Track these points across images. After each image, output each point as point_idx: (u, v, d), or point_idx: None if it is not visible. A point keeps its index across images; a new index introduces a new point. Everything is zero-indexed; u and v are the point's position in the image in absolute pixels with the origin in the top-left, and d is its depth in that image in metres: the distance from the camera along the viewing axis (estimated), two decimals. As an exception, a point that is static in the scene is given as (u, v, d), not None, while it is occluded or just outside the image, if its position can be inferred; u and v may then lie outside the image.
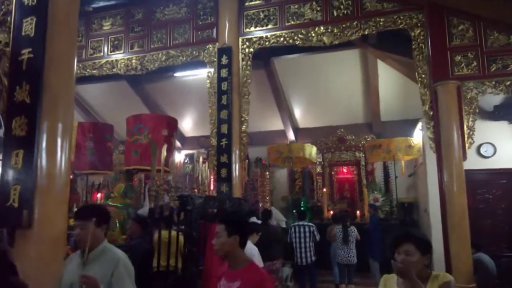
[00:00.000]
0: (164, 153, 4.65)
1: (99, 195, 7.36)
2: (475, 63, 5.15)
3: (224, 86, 6.29)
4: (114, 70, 7.17)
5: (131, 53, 7.21)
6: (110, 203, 5.37)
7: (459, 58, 5.22)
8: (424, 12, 5.47)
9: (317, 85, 9.98)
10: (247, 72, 6.40)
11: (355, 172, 10.08)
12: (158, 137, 5.47)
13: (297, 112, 11.04)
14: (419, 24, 5.51)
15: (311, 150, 8.45)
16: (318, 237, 6.23)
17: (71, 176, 6.09)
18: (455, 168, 4.99)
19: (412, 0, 5.60)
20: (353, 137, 9.81)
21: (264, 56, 9.07)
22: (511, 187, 6.66)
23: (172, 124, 6.22)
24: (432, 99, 5.28)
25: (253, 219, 6.40)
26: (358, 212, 8.66)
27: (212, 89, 6.47)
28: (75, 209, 6.68)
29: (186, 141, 13.07)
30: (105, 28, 7.34)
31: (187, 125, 12.79)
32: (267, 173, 8.16)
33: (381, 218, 8.20)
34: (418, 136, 7.76)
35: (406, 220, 8.65)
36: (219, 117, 6.26)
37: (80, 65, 7.25)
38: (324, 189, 9.30)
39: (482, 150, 6.83)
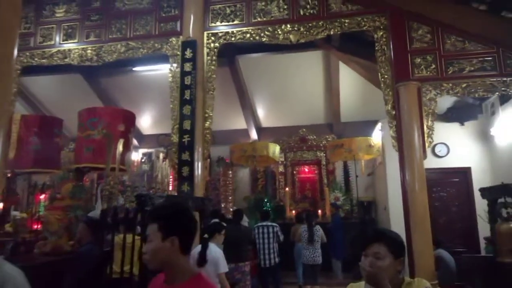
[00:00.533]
0: (119, 149, 4.35)
1: (42, 196, 6.82)
2: (433, 66, 5.34)
3: (188, 80, 6.07)
4: (67, 60, 6.69)
5: (86, 42, 6.78)
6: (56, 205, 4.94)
7: (419, 60, 5.39)
8: (387, 15, 5.60)
9: (281, 85, 10.01)
10: (212, 67, 6.22)
11: (316, 172, 10.20)
12: (114, 132, 5.15)
13: (260, 112, 11.01)
14: (381, 27, 5.62)
15: (275, 149, 8.42)
16: (282, 238, 6.18)
17: (8, 175, 5.57)
18: (416, 167, 5.13)
19: (375, 3, 5.71)
20: (315, 137, 9.94)
21: (229, 53, 8.95)
22: (463, 185, 7.01)
23: (129, 119, 5.91)
24: (395, 99, 5.41)
25: (216, 221, 6.25)
26: (320, 211, 8.74)
27: (174, 84, 6.22)
28: (13, 212, 6.14)
29: (144, 139, 12.62)
30: (58, 15, 6.85)
31: (146, 122, 12.36)
32: (230, 172, 8.01)
33: (342, 217, 8.34)
34: (378, 136, 7.97)
35: (365, 219, 8.91)
36: (182, 113, 6.02)
37: (28, 54, 6.71)
38: (287, 189, 9.31)
39: (436, 150, 7.13)
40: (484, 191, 5.02)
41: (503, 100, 6.35)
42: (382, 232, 1.79)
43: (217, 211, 6.32)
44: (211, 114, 6.17)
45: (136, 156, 12.67)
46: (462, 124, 7.11)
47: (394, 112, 5.42)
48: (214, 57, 6.21)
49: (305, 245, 6.25)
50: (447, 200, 7.04)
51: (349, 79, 9.31)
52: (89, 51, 6.71)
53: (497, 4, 5.12)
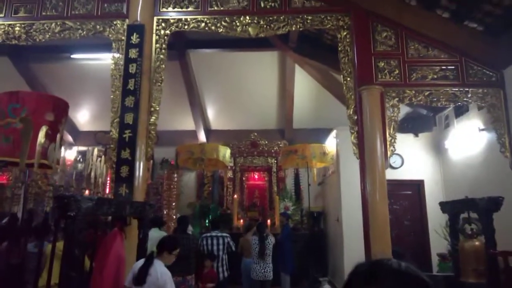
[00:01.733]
0: (41, 140, 3.54)
1: None
2: (397, 71, 5.15)
3: (133, 68, 5.35)
4: (-12, 36, 5.66)
5: (14, 18, 5.81)
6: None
7: (383, 64, 5.18)
8: (351, 15, 5.34)
9: (233, 85, 9.52)
10: (161, 56, 5.55)
11: (266, 179, 9.79)
12: (40, 121, 4.27)
13: (210, 112, 10.42)
14: (345, 27, 5.35)
15: (225, 152, 7.85)
16: (233, 248, 5.62)
17: None
18: (378, 176, 4.86)
19: (338, 2, 5.44)
20: (266, 142, 9.52)
21: (180, 46, 8.30)
22: (416, 198, 6.95)
23: (60, 108, 5.00)
24: (357, 103, 5.13)
25: (155, 230, 5.52)
26: (269, 221, 8.28)
27: (116, 71, 5.47)
28: None
29: (80, 136, 11.44)
30: (-22, -18, 5.79)
31: (83, 117, 11.20)
32: (175, 175, 7.29)
33: (291, 227, 7.94)
34: (332, 144, 7.74)
35: (315, 230, 8.61)
36: (124, 105, 5.27)
37: None
38: (235, 196, 8.76)
39: (391, 161, 7.00)
40: (445, 205, 4.87)
41: (458, 112, 6.38)
42: (387, 269, 0.88)
43: (158, 219, 5.59)
44: (157, 108, 5.48)
45: (70, 154, 11.46)
46: (416, 135, 7.09)
47: (356, 117, 5.13)
48: (163, 45, 5.55)
49: (256, 259, 5.71)
50: (399, 213, 6.93)
51: (304, 83, 9.06)
52: (17, 28, 5.77)
53: (460, 12, 5.06)
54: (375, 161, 4.90)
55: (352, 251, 6.72)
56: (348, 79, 5.24)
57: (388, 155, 5.02)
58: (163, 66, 5.55)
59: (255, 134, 9.56)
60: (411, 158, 6.97)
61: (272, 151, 9.49)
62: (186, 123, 10.41)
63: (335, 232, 7.51)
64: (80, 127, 11.32)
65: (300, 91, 9.25)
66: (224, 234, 5.66)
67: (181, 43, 8.19)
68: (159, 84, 5.52)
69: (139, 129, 5.24)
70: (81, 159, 10.97)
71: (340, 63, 5.32)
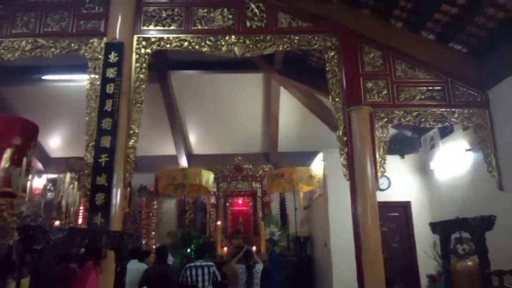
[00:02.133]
0: (5, 164, 3.18)
1: None
2: (385, 91, 5.08)
3: (110, 88, 5.06)
4: (-49, 54, 5.28)
5: (-20, 35, 5.46)
6: None
7: (371, 85, 5.10)
8: (338, 36, 5.28)
9: (216, 108, 9.31)
10: (141, 76, 5.30)
11: (251, 204, 9.46)
12: (4, 144, 3.90)
13: (192, 136, 10.13)
14: (333, 47, 5.27)
15: (209, 177, 7.53)
16: (219, 279, 5.22)
17: None
18: (369, 198, 4.68)
19: (325, 23, 5.38)
20: (251, 166, 9.25)
21: (160, 67, 8.07)
22: (403, 220, 6.78)
23: (29, 131, 4.65)
24: (346, 124, 4.98)
25: (134, 262, 5.10)
26: (254, 247, 7.88)
27: (93, 92, 5.17)
28: None
29: (51, 163, 10.83)
30: None
31: (54, 143, 10.66)
32: (155, 202, 6.87)
33: (277, 253, 7.59)
34: (318, 167, 7.55)
35: (302, 256, 8.28)
36: (100, 127, 4.95)
37: None
38: (219, 222, 8.37)
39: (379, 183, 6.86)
40: (435, 226, 4.66)
41: (443, 133, 6.34)
42: None
43: (138, 250, 5.16)
44: (136, 131, 5.18)
45: (39, 182, 10.81)
46: (402, 157, 7.00)
47: (345, 138, 4.98)
48: (144, 65, 5.32)
49: (242, 289, 5.34)
50: (388, 235, 6.71)
51: (289, 106, 8.95)
52: (-17, 45, 5.40)
53: (445, 34, 5.07)
54: (366, 183, 4.73)
55: (341, 277, 6.43)
56: (337, 99, 5.12)
57: (379, 176, 4.85)
58: (144, 86, 5.29)
59: (239, 158, 9.29)
60: (398, 180, 6.84)
61: (257, 175, 9.22)
62: (167, 147, 10.05)
63: (323, 258, 7.20)
64: (51, 153, 10.76)
65: (286, 114, 9.12)
66: (209, 263, 5.28)
67: (162, 64, 7.97)
68: (139, 105, 5.24)
69: (117, 153, 4.92)
70: (51, 187, 10.35)
71: (328, 84, 5.21)
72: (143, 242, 6.76)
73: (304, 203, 8.88)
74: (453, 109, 4.93)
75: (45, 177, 10.64)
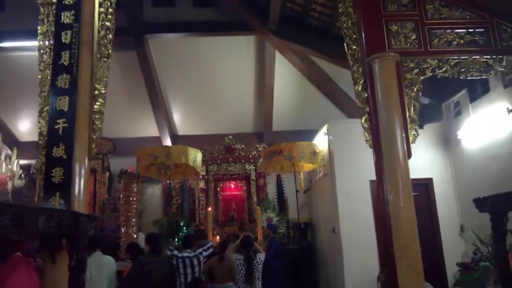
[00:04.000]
0: None
1: None
2: (414, 36, 4.08)
3: (67, 37, 3.99)
4: None
5: None
6: None
7: (396, 28, 4.10)
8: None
9: (202, 81, 8.25)
10: (108, 23, 4.20)
11: (244, 188, 8.46)
12: None
13: (176, 115, 9.05)
14: (347, -19, 4.25)
15: (196, 156, 6.47)
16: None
17: None
18: (400, 170, 3.71)
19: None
20: (243, 146, 8.22)
21: (136, 31, 6.94)
22: (425, 200, 5.88)
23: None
24: (366, 77, 3.99)
25: (99, 255, 4.08)
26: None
27: (45, 44, 4.08)
28: None
29: (20, 148, 9.60)
30: None
31: (24, 126, 9.47)
32: (134, 185, 5.81)
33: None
34: (322, 143, 6.57)
35: (303, 244, 7.35)
36: (55, 85, 3.89)
37: None
38: (209, 209, 7.35)
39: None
40: (484, 202, 3.73)
41: (474, 96, 5.42)
42: None
43: (96, 239, 4.10)
44: (103, 91, 4.11)
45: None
46: (421, 127, 6.04)
47: (366, 95, 3.99)
48: (110, 10, 4.21)
49: (241, 285, 4.34)
50: (407, 217, 5.80)
51: (285, 77, 7.94)
52: None
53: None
54: (395, 150, 3.75)
55: (354, 266, 5.56)
56: (354, 47, 4.12)
57: (411, 141, 3.90)
58: (110, 36, 4.19)
59: (230, 137, 8.25)
60: (417, 154, 5.82)
61: (250, 156, 8.19)
62: (148, 128, 8.98)
63: (330, 245, 6.27)
64: (21, 137, 9.56)
65: (281, 86, 8.10)
66: (198, 251, 4.29)
67: (137, 27, 6.85)
68: (105, 59, 4.15)
69: (78, 118, 3.85)
70: (22, 175, 9.20)
71: (342, 29, 4.21)
72: (122, 231, 5.72)
73: (304, 186, 7.92)
74: (500, 56, 3.98)
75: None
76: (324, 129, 6.44)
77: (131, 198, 5.73)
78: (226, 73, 8.06)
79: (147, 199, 8.58)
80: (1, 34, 6.99)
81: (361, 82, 4.02)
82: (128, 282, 3.67)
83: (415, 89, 3.97)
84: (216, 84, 8.36)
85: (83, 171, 3.79)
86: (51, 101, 3.87)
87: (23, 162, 9.37)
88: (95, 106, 4.02)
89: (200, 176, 8.01)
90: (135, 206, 5.74)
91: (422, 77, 4.00)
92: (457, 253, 5.52)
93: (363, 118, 3.98)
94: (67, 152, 3.72)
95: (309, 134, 7.34)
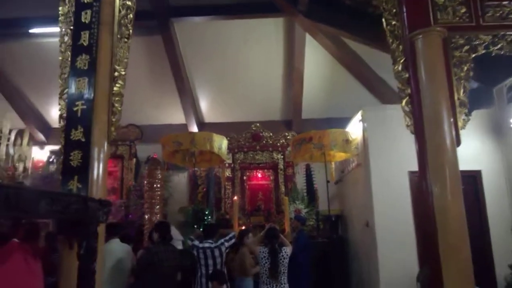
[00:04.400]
0: None
1: None
2: (464, 9, 3.61)
3: (86, 16, 3.83)
4: None
5: None
6: None
7: (443, 0, 3.63)
8: None
9: (229, 66, 8.00)
10: (128, 2, 4.03)
11: (271, 178, 8.16)
12: None
13: (203, 102, 8.85)
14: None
15: (221, 143, 6.24)
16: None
17: None
18: (447, 159, 3.29)
19: None
20: (271, 134, 7.91)
21: (161, 15, 6.74)
22: (472, 194, 5.35)
23: None
24: (408, 55, 3.57)
25: (116, 242, 3.95)
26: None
27: (66, 24, 3.95)
28: None
29: (53, 134, 9.79)
30: None
31: (56, 112, 9.54)
32: (159, 172, 5.66)
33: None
34: (356, 131, 6.15)
35: (334, 238, 7.00)
36: (75, 66, 3.76)
37: None
38: (235, 198, 7.14)
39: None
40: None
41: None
42: None
43: (113, 226, 3.97)
44: (123, 73, 3.96)
45: (42, 154, 9.95)
46: (468, 113, 5.50)
47: (407, 75, 3.58)
48: (133, -13, 4.00)
49: (265, 279, 4.07)
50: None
51: (316, 61, 7.54)
52: None
53: None
54: (442, 137, 3.34)
55: (389, 263, 5.16)
56: (393, 22, 3.72)
57: (460, 126, 3.47)
58: (131, 16, 4.02)
59: (257, 124, 7.95)
60: (464, 143, 5.34)
61: (278, 144, 7.88)
62: (175, 115, 8.85)
63: (363, 240, 5.89)
64: (52, 123, 9.70)
65: (311, 71, 7.70)
66: (220, 242, 4.08)
67: (162, 10, 6.64)
68: (125, 40, 3.99)
69: (97, 100, 3.70)
70: (54, 160, 9.38)
71: (379, 2, 3.79)
72: (146, 218, 5.60)
73: (335, 177, 7.53)
74: None
75: (47, 148, 9.81)
76: (359, 115, 6.02)
77: (155, 185, 5.60)
78: (254, 57, 7.75)
79: (173, 187, 8.47)
80: (31, 20, 7.00)
81: (402, 61, 3.62)
82: (138, 272, 3.51)
83: (465, 68, 3.52)
84: (244, 70, 8.08)
85: (102, 155, 3.64)
86: (70, 82, 3.74)
87: (54, 147, 9.57)
88: (115, 88, 3.86)
89: (226, 164, 7.79)
90: (159, 192, 5.60)
91: (473, 55, 3.53)
92: (508, 254, 4.99)
93: (404, 101, 3.58)
94: (85, 135, 3.58)
95: (341, 122, 6.91)
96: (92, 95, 3.66)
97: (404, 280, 4.96)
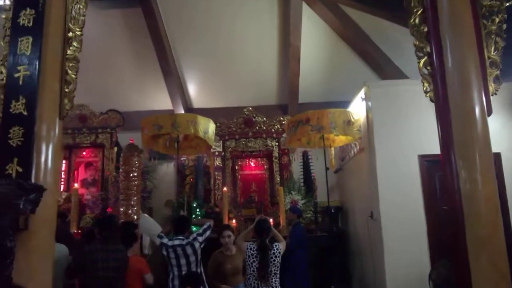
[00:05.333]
0: None
1: None
2: None
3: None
4: None
5: None
6: None
7: None
8: None
9: (218, 44, 7.29)
10: None
11: (265, 167, 7.51)
12: None
13: (191, 85, 8.16)
14: None
15: (208, 126, 5.54)
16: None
17: None
18: (476, 132, 2.64)
19: None
20: (264, 119, 7.22)
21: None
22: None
23: None
24: (427, 4, 2.90)
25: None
26: (271, 220, 5.96)
27: (9, -27, 3.24)
28: None
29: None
30: None
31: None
32: (136, 159, 4.96)
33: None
34: (359, 111, 5.48)
35: (334, 231, 6.37)
36: (17, 23, 3.07)
37: None
38: (225, 189, 6.48)
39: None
40: None
41: None
42: None
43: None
44: (78, 33, 3.24)
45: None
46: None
47: (425, 29, 2.91)
48: None
49: (253, 282, 3.40)
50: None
51: (314, 35, 6.85)
52: None
53: None
54: (469, 105, 2.69)
55: (396, 259, 4.55)
56: (409, -36, 3.02)
57: (490, 92, 2.80)
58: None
59: (250, 109, 7.26)
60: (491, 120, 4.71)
61: (273, 130, 7.19)
62: (161, 100, 8.14)
63: (367, 233, 5.23)
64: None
65: (309, 48, 7.01)
66: (192, 237, 3.42)
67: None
68: (83, -12, 3.28)
69: (45, 65, 3.02)
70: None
71: None
72: (121, 210, 4.94)
73: (335, 165, 6.88)
74: None
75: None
76: (361, 93, 5.35)
77: (131, 174, 4.93)
78: (246, 34, 7.06)
79: (160, 178, 7.82)
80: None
81: (419, 12, 2.95)
82: (68, 276, 2.86)
83: (497, 20, 2.84)
84: (235, 49, 7.38)
85: (52, 133, 2.98)
86: (12, 43, 3.05)
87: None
88: (69, 52, 3.17)
89: (216, 153, 7.12)
90: (136, 182, 4.94)
91: (507, 3, 2.86)
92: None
93: (422, 61, 2.91)
94: (28, 107, 2.89)
95: (342, 106, 6.21)
96: (38, 58, 2.99)
97: (413, 277, 4.36)
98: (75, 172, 7.38)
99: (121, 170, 5.10)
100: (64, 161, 7.19)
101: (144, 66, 7.52)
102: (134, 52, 7.37)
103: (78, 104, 7.15)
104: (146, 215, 5.85)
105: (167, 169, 7.94)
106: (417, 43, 2.92)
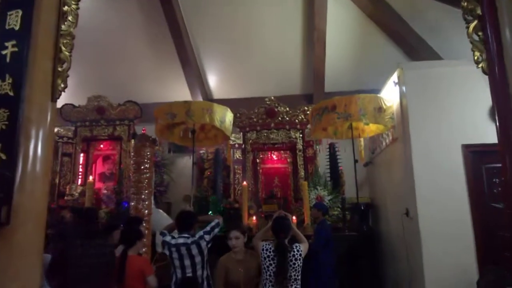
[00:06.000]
0: None
1: None
2: None
3: None
4: None
5: None
6: None
7: None
8: None
9: (239, 32, 6.91)
10: None
11: (289, 160, 7.07)
12: None
13: (211, 75, 7.82)
14: None
15: (225, 115, 5.15)
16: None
17: None
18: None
19: None
20: (287, 109, 6.76)
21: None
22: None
23: None
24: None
25: None
26: (294, 218, 5.51)
27: None
28: None
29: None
30: None
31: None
32: (148, 149, 4.65)
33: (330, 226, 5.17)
34: (391, 97, 4.93)
35: (364, 230, 5.85)
36: None
37: None
38: (244, 183, 6.09)
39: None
40: None
41: None
42: None
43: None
44: (74, 7, 2.92)
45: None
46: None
47: (478, -10, 2.37)
48: None
49: (269, 286, 2.99)
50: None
51: (341, 18, 6.34)
52: None
53: None
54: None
55: (437, 263, 4.02)
56: None
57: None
58: None
59: (272, 98, 6.82)
60: None
61: (297, 121, 6.72)
62: (179, 91, 7.85)
63: (402, 233, 4.68)
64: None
65: (336, 32, 6.49)
66: (198, 235, 3.03)
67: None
68: (79, -39, 2.95)
69: (36, 41, 2.71)
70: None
71: None
72: (131, 205, 4.65)
73: (365, 157, 6.32)
74: None
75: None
76: (395, 76, 4.80)
77: (142, 166, 4.63)
78: (267, 19, 6.64)
79: (178, 172, 7.59)
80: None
81: (469, -32, 2.40)
82: (47, 274, 2.55)
83: None
84: (257, 36, 6.98)
85: (43, 116, 2.67)
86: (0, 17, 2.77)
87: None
88: (63, 27, 2.85)
89: (236, 145, 6.75)
90: (147, 175, 4.64)
91: None
92: None
93: (471, 26, 2.38)
94: (15, 87, 2.59)
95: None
96: (29, 34, 2.69)
97: (457, 283, 3.81)
98: (93, 166, 7.22)
99: (132, 162, 4.81)
100: (82, 154, 7.06)
101: (161, 55, 7.26)
102: (151, 41, 7.12)
103: (95, 95, 7.00)
104: (160, 210, 5.59)
105: (186, 163, 7.66)
106: (465, 4, 2.39)
